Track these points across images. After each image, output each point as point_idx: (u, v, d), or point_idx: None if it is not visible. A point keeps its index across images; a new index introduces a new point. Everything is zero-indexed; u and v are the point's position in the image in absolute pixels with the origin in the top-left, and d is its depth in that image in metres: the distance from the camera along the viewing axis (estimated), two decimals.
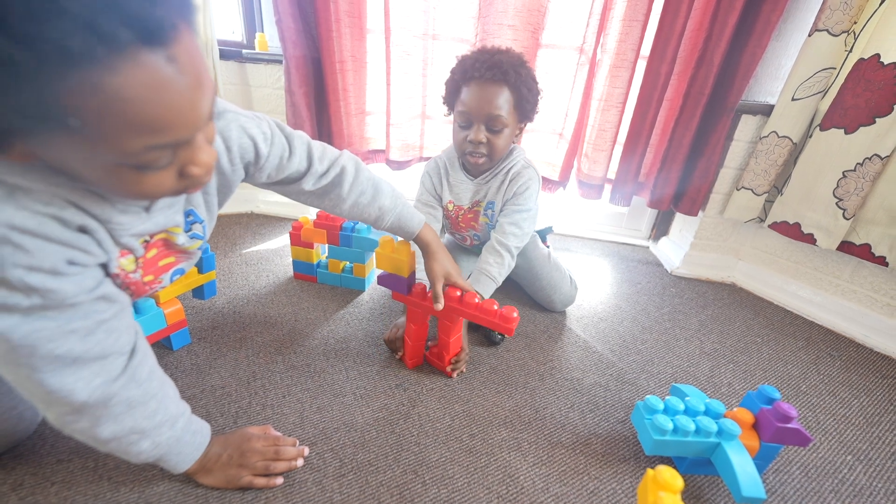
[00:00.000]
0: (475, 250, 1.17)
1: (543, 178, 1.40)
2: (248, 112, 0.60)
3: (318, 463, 0.65)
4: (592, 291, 1.23)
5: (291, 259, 1.15)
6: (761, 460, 0.66)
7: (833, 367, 0.99)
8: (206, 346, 0.87)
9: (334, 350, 0.89)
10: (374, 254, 1.11)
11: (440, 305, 0.75)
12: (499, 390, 0.83)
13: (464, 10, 1.25)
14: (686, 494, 0.65)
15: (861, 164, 1.00)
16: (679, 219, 1.47)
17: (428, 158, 1.48)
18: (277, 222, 1.50)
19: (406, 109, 1.37)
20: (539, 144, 1.41)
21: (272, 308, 1.02)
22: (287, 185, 0.70)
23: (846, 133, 1.01)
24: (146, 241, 0.53)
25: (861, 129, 0.98)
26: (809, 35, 1.04)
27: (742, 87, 1.13)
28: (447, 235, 1.20)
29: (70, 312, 0.43)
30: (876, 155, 0.97)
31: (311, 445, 0.67)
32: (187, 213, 0.57)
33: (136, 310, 0.75)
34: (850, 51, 1.01)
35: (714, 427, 0.63)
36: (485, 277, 0.91)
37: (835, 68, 1.04)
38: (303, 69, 1.26)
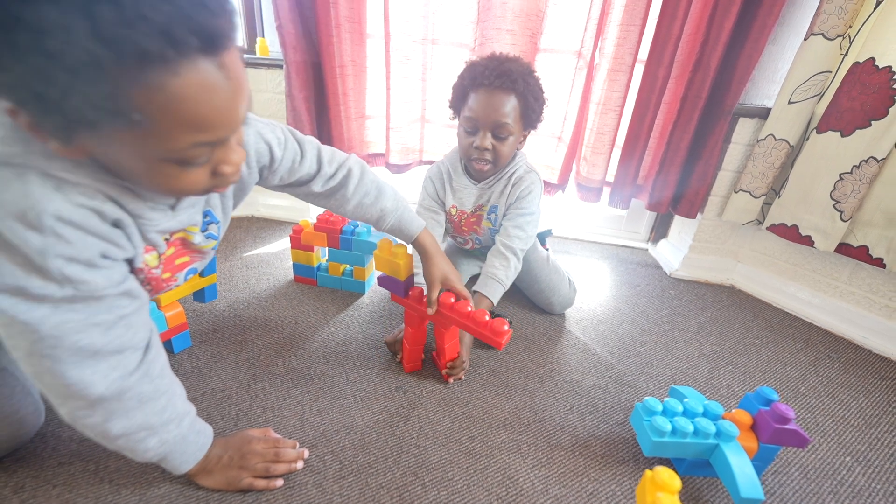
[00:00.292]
0: (476, 254, 1.18)
1: (542, 182, 1.40)
2: (263, 119, 0.64)
3: (319, 465, 0.65)
4: (591, 294, 1.23)
5: (292, 262, 1.15)
6: (760, 462, 0.66)
7: (832, 368, 0.99)
8: (207, 349, 0.88)
9: (334, 353, 0.90)
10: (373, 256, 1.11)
11: (432, 310, 0.76)
12: (498, 392, 0.83)
13: (463, 16, 1.26)
14: (685, 496, 0.66)
15: (857, 167, 1.00)
16: (678, 221, 1.48)
17: (427, 162, 1.49)
18: (278, 226, 1.51)
19: (406, 113, 1.37)
20: (538, 148, 1.42)
21: (272, 311, 1.02)
22: (297, 186, 0.73)
23: (842, 136, 1.01)
24: (166, 239, 0.55)
25: (857, 131, 0.99)
26: (805, 39, 1.04)
27: (739, 91, 1.14)
28: (448, 239, 1.20)
29: (96, 305, 0.45)
30: (872, 157, 0.98)
31: (312, 448, 0.68)
32: (205, 214, 0.60)
33: None
34: (846, 54, 1.02)
35: (712, 428, 0.63)
36: (492, 281, 0.92)
37: (830, 72, 1.05)
38: (303, 74, 1.27)
